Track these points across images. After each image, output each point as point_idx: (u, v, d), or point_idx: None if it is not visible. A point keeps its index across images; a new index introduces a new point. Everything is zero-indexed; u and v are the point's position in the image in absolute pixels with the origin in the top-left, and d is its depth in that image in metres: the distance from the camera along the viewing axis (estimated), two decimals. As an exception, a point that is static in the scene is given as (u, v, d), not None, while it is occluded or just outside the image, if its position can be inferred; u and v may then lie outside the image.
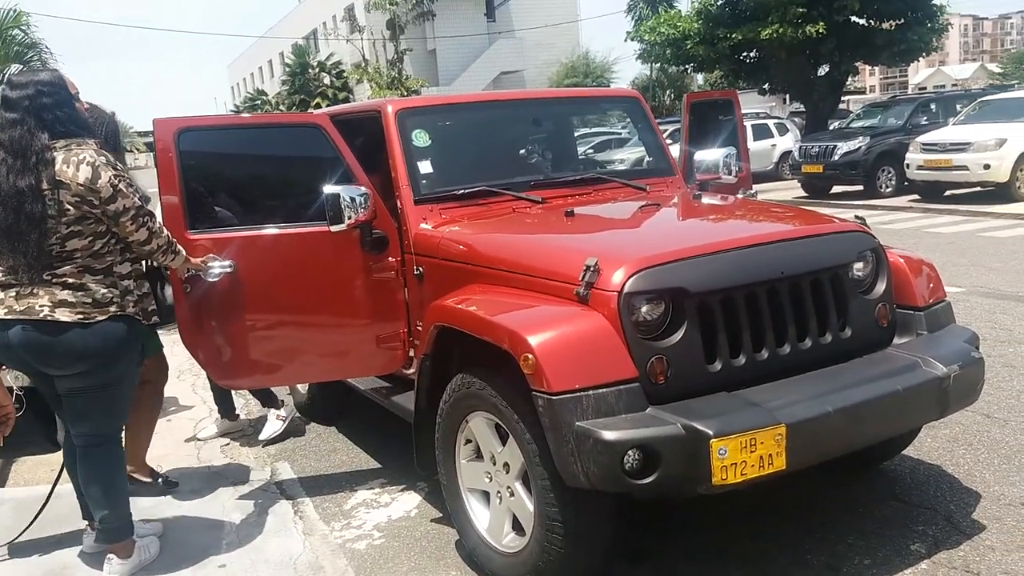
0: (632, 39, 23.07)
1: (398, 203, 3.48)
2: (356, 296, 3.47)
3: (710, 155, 4.28)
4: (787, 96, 24.05)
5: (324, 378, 3.89)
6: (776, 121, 21.38)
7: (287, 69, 37.72)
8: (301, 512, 3.49)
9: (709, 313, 2.61)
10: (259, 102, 41.01)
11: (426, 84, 33.17)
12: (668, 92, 37.16)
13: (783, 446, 2.40)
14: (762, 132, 19.73)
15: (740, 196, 4.27)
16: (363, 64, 33.01)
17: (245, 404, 4.95)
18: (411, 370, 3.45)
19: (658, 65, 28.31)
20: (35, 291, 2.71)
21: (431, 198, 3.49)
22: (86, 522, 3.12)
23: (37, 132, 2.70)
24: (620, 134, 19.21)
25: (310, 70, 36.04)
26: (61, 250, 2.71)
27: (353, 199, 3.21)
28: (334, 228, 3.22)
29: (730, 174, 4.25)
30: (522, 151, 4.36)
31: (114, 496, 2.95)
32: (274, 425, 4.40)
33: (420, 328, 3.31)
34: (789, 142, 19.15)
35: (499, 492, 2.84)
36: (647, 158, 4.52)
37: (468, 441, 2.94)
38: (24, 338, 2.72)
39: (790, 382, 2.66)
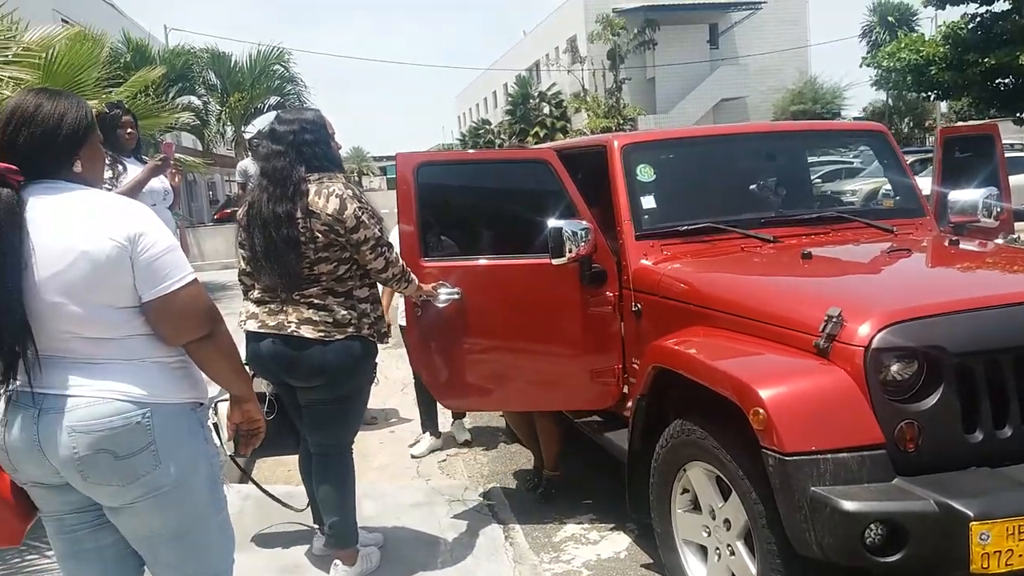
0: (868, 65, 21.68)
1: (619, 238, 3.44)
2: (572, 329, 3.46)
3: (966, 195, 3.86)
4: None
5: (536, 408, 3.92)
6: (1035, 154, 19.08)
7: (509, 99, 39.24)
8: (512, 539, 3.51)
9: (970, 376, 2.31)
10: (482, 131, 43.01)
11: (643, 112, 33.14)
12: (907, 120, 34.46)
13: (1062, 537, 2.07)
14: (1019, 166, 17.69)
15: (1001, 241, 3.82)
16: (582, 93, 33.61)
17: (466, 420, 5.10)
18: (625, 407, 3.38)
19: (895, 92, 26.36)
20: (285, 308, 2.95)
21: (653, 234, 3.42)
22: (317, 526, 3.34)
23: (296, 165, 2.95)
24: (852, 163, 18.06)
25: (531, 100, 37.24)
26: (310, 273, 2.94)
27: (575, 233, 3.21)
28: (555, 261, 3.24)
29: (990, 216, 3.80)
30: (752, 186, 4.17)
31: (343, 503, 3.13)
32: (424, 444, 4.69)
33: (636, 365, 3.24)
34: (1052, 177, 16.97)
35: (718, 549, 2.68)
36: (895, 196, 4.17)
37: (685, 491, 2.82)
38: (273, 350, 2.98)
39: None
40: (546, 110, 36.87)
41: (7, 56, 5.45)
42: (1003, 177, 4.13)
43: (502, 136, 38.60)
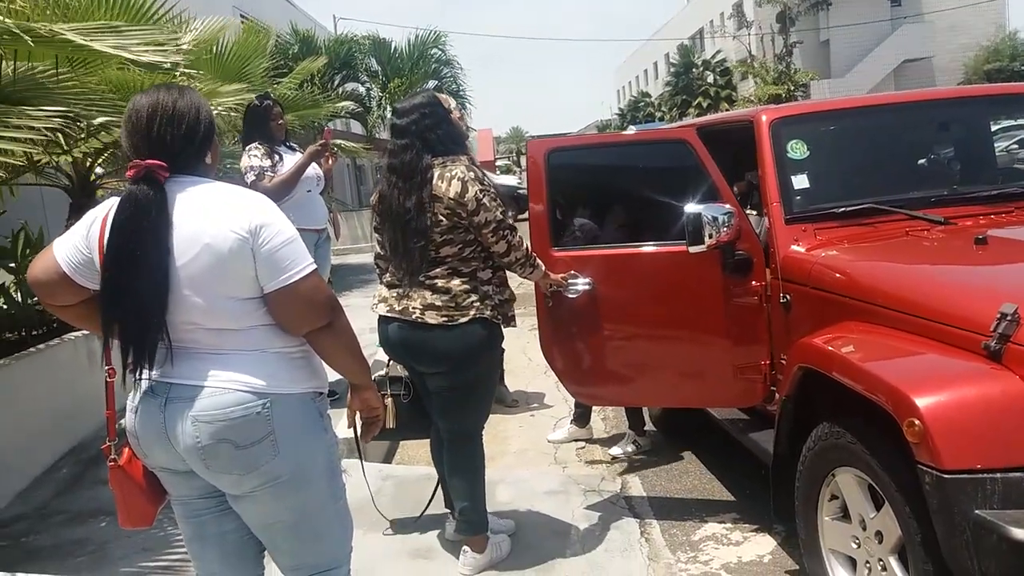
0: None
1: (767, 221, 3.19)
2: (713, 321, 3.27)
3: None
4: None
5: (674, 403, 3.76)
6: None
7: (671, 69, 38.16)
8: (647, 534, 3.39)
9: None
10: (641, 104, 42.14)
11: (816, 77, 31.19)
12: None
13: None
14: None
15: None
16: (749, 60, 32.10)
17: (601, 411, 5.01)
18: (772, 405, 3.16)
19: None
20: (411, 293, 2.98)
21: (806, 216, 3.14)
22: (449, 510, 3.37)
23: (423, 154, 2.95)
24: (1060, 125, 16.10)
25: (694, 69, 36.02)
26: (436, 255, 2.95)
27: (715, 218, 3.01)
28: (693, 249, 3.06)
29: None
30: (922, 161, 3.75)
31: (472, 490, 3.13)
32: (627, 447, 4.38)
33: (784, 361, 3.00)
34: None
35: (868, 562, 2.45)
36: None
37: (834, 497, 2.59)
38: (400, 335, 3.02)
39: None
40: (710, 79, 35.56)
41: (181, 47, 5.83)
42: None
43: (662, 108, 37.64)
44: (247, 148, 4.56)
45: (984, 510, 1.90)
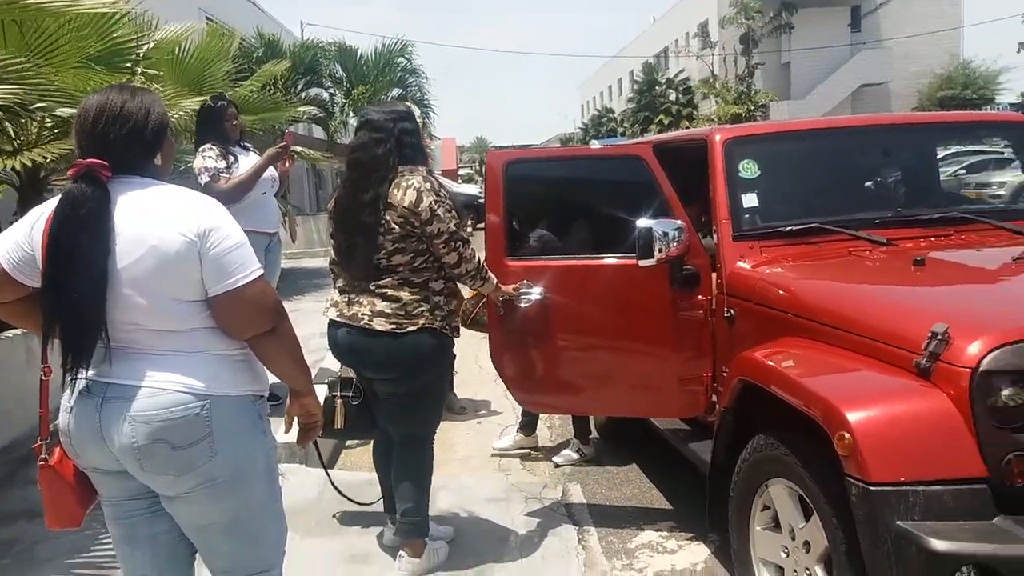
0: (1028, 48, 19.90)
1: (715, 238, 3.26)
2: (660, 333, 3.32)
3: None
4: None
5: (618, 413, 3.80)
6: None
7: (635, 86, 38.59)
8: (585, 541, 3.42)
9: (1099, 406, 2.04)
10: (604, 119, 42.51)
11: (776, 98, 31.76)
12: (1071, 108, 31.47)
13: None
14: None
15: None
16: (711, 79, 32.61)
17: (548, 419, 5.03)
18: (713, 416, 3.22)
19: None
20: (360, 300, 2.98)
21: (753, 234, 3.21)
22: (388, 515, 3.36)
23: (394, 153, 2.96)
24: (1002, 154, 16.65)
25: (657, 87, 36.44)
26: (387, 264, 2.95)
27: (666, 233, 3.07)
28: (643, 262, 3.11)
29: None
30: (868, 183, 3.86)
31: (418, 494, 3.14)
32: (571, 455, 4.42)
33: (725, 374, 3.06)
34: None
35: (795, 571, 2.50)
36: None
37: (766, 507, 2.64)
38: (348, 340, 3.02)
39: None
40: (672, 97, 35.99)
41: (141, 52, 5.76)
42: None
43: (624, 124, 38.02)
44: (200, 149, 4.49)
45: (906, 521, 1.96)
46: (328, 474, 3.47)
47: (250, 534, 2.03)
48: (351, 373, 3.36)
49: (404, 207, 2.89)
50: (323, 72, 16.12)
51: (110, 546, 2.50)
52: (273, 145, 4.68)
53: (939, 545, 1.89)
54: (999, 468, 2.01)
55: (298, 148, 10.20)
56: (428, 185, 2.94)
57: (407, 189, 2.91)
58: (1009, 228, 3.27)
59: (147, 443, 1.84)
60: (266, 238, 4.69)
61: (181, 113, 5.58)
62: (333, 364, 3.38)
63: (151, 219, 1.83)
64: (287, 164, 4.82)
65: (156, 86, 5.26)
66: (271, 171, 4.66)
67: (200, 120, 4.67)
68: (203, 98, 5.23)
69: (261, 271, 1.93)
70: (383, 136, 2.96)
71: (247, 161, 4.63)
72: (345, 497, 3.53)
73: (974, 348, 2.09)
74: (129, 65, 4.41)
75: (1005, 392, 2.06)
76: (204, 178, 4.36)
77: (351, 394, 3.37)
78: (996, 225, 3.31)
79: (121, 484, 1.96)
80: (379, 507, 3.45)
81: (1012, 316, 2.26)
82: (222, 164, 4.46)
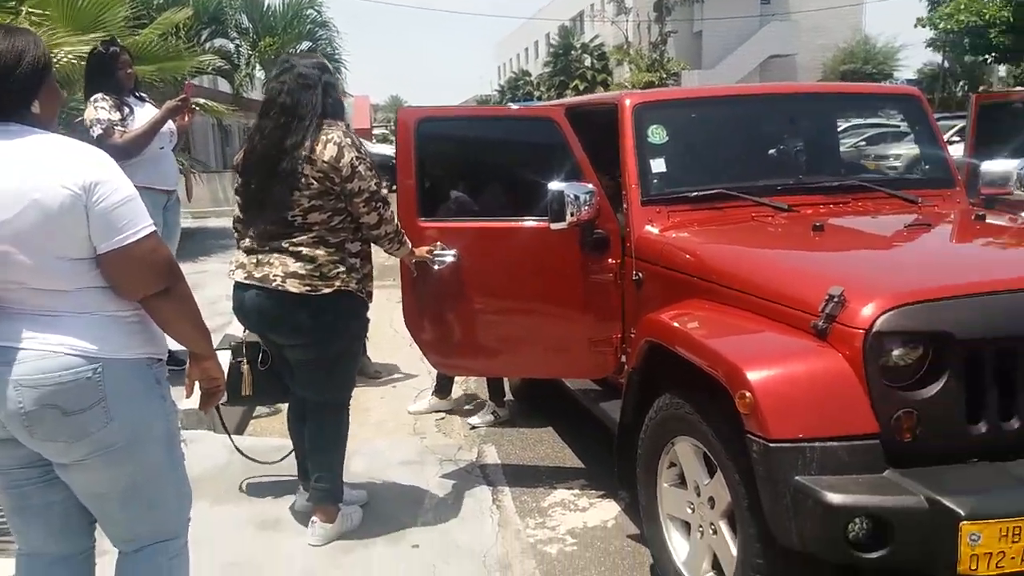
0: (924, 26, 20.79)
1: (624, 202, 3.29)
2: (570, 296, 3.35)
3: (1000, 166, 3.64)
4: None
5: (531, 375, 3.84)
6: (1095, 123, 18.25)
7: (551, 50, 38.51)
8: (499, 502, 3.46)
9: (979, 364, 2.16)
10: (521, 82, 42.36)
11: (687, 67, 32.34)
12: (961, 84, 33.19)
13: (1061, 540, 1.94)
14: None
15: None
16: (625, 46, 32.86)
17: (463, 382, 5.05)
18: (622, 377, 3.28)
19: (952, 53, 25.35)
20: (271, 260, 2.87)
21: (661, 199, 3.26)
22: (300, 481, 3.31)
23: (320, 104, 2.88)
24: (899, 127, 17.42)
25: (572, 52, 36.50)
26: (303, 222, 2.86)
27: (577, 197, 3.08)
28: (554, 226, 3.12)
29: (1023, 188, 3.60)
30: (772, 151, 3.97)
31: (333, 460, 3.10)
32: (486, 417, 4.45)
33: (634, 336, 3.12)
34: (1110, 149, 16.25)
35: (701, 526, 2.59)
36: (925, 165, 3.96)
37: (672, 465, 2.72)
38: (256, 303, 2.91)
39: (1076, 460, 2.15)
40: (587, 62, 36.15)
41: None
42: None
43: (541, 88, 37.99)
44: (92, 99, 4.22)
45: (803, 476, 2.04)
46: (232, 438, 3.39)
47: (149, 501, 1.96)
48: (256, 337, 3.26)
49: (324, 161, 2.80)
50: (228, 23, 15.45)
51: (2, 517, 2.39)
52: (174, 97, 4.45)
53: (834, 498, 1.98)
54: (889, 424, 2.11)
55: (201, 101, 9.75)
56: (349, 140, 2.87)
57: (327, 143, 2.82)
58: (902, 196, 3.43)
59: (35, 408, 1.75)
60: (164, 196, 4.45)
61: (69, 57, 5.22)
62: (240, 329, 3.28)
63: (32, 171, 1.72)
64: (187, 118, 4.60)
65: (43, 28, 4.91)
66: (170, 124, 4.43)
67: (90, 68, 4.39)
68: (94, 38, 4.90)
69: (153, 228, 1.85)
70: (312, 83, 2.89)
71: (143, 113, 4.39)
72: (250, 459, 3.44)
73: (868, 310, 2.18)
74: (13, 3, 4.09)
75: (895, 352, 2.16)
76: (96, 130, 4.11)
77: (259, 358, 3.29)
78: (890, 193, 3.47)
79: (10, 452, 1.86)
80: (290, 472, 3.40)
81: (903, 280, 2.37)
82: (116, 116, 4.22)
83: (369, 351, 5.32)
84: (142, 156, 4.18)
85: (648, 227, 3.18)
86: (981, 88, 30.49)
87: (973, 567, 1.94)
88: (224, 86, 17.34)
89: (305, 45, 15.81)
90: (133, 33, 8.58)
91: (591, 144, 3.40)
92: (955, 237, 3.13)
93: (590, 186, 3.16)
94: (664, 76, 30.89)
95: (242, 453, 3.43)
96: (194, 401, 2.18)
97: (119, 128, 4.18)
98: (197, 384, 2.10)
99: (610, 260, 3.29)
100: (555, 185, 3.14)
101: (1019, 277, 2.32)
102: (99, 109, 4.16)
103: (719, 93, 4.00)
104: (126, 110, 4.29)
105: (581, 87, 34.12)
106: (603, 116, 3.60)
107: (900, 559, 2.00)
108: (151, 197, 3.92)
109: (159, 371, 1.95)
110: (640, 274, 3.16)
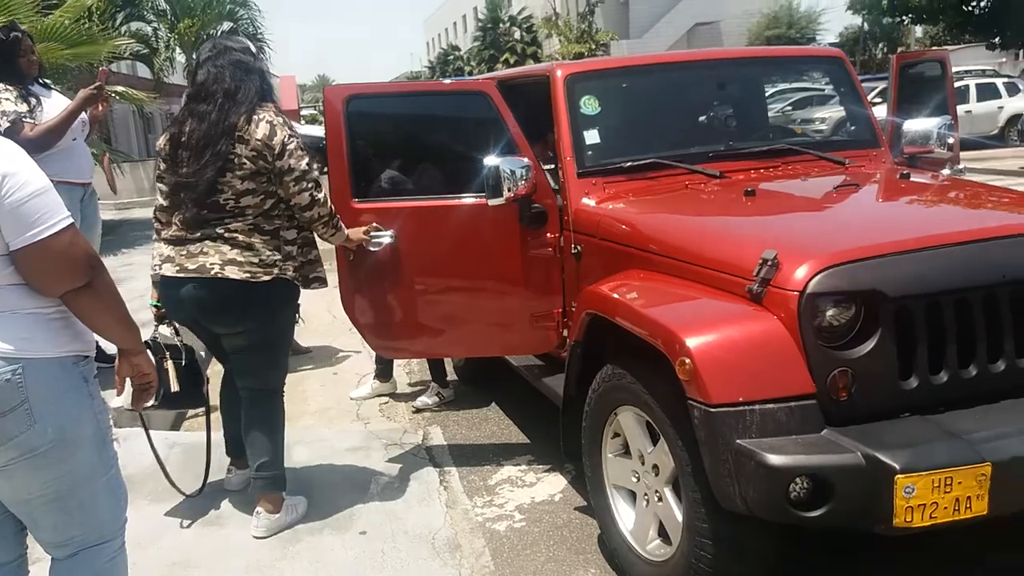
0: (843, -12, 21.21)
1: (560, 175, 3.27)
2: (511, 272, 3.33)
3: (921, 124, 3.73)
4: (1021, 52, 21.31)
5: (474, 354, 3.81)
6: (1005, 80, 18.96)
7: (479, 24, 38.16)
8: (446, 483, 3.45)
9: (909, 320, 2.21)
10: (451, 58, 41.92)
11: (616, 37, 32.43)
12: (881, 46, 34.09)
13: (986, 488, 2.01)
14: (988, 92, 17.61)
15: (949, 172, 3.70)
16: (553, 18, 32.76)
17: (405, 365, 5.00)
18: (565, 351, 3.28)
19: (871, 16, 25.97)
20: (205, 250, 2.80)
21: (596, 171, 3.25)
22: (232, 461, 3.28)
23: (260, 90, 2.88)
24: (823, 91, 17.82)
25: (501, 25, 36.23)
26: (236, 206, 2.82)
27: (513, 171, 3.05)
28: (492, 202, 3.09)
29: (943, 147, 3.70)
30: (702, 118, 3.99)
31: (273, 445, 3.06)
32: (430, 399, 4.42)
33: (575, 309, 3.13)
34: (1020, 104, 16.95)
35: (646, 495, 2.62)
36: (850, 126, 4.03)
37: (616, 435, 2.74)
38: (196, 297, 2.85)
39: (1000, 409, 2.23)
40: (517, 35, 35.95)
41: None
42: (952, 107, 4.01)
43: (471, 63, 37.67)
44: None
45: (744, 439, 2.07)
46: (157, 457, 3.23)
47: (80, 505, 1.88)
48: (172, 340, 3.15)
49: (257, 139, 2.78)
50: (144, 4, 14.88)
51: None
52: (88, 85, 4.23)
53: (774, 459, 2.01)
54: (826, 384, 2.15)
55: (119, 88, 9.36)
56: (281, 119, 2.86)
57: (259, 122, 2.80)
58: (830, 158, 3.49)
59: None
60: (80, 189, 4.24)
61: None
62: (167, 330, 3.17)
63: None
64: (101, 107, 4.39)
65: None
66: (82, 115, 4.22)
67: None
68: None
69: (70, 220, 1.75)
70: (250, 67, 2.89)
71: (51, 103, 4.16)
72: (174, 486, 3.26)
73: (801, 272, 2.21)
74: None
75: (829, 312, 2.20)
76: (3, 124, 3.87)
77: (182, 357, 3.17)
78: (819, 156, 3.52)
79: (-72, 460, 1.76)
80: (223, 465, 3.33)
81: (835, 241, 2.41)
82: (23, 107, 3.98)
83: (307, 337, 5.23)
84: (53, 149, 3.97)
85: (584, 199, 3.17)
86: (900, 49, 31.41)
87: (908, 519, 2.00)
88: (144, 71, 16.72)
89: (226, 26, 15.31)
90: (44, 15, 8.19)
91: (524, 118, 3.36)
92: (882, 196, 3.20)
93: (526, 160, 3.13)
94: (593, 47, 30.94)
95: (167, 476, 3.26)
96: (124, 399, 2.10)
97: (28, 120, 3.95)
98: (128, 381, 2.01)
99: (549, 234, 3.27)
100: (491, 160, 3.10)
101: (944, 234, 2.38)
102: (4, 100, 3.92)
103: (650, 61, 3.99)
104: (32, 100, 4.05)
105: (511, 60, 33.95)
106: (536, 88, 3.56)
107: (840, 516, 2.04)
108: (66, 191, 3.72)
109: (86, 369, 1.87)
110: (579, 247, 3.15)
